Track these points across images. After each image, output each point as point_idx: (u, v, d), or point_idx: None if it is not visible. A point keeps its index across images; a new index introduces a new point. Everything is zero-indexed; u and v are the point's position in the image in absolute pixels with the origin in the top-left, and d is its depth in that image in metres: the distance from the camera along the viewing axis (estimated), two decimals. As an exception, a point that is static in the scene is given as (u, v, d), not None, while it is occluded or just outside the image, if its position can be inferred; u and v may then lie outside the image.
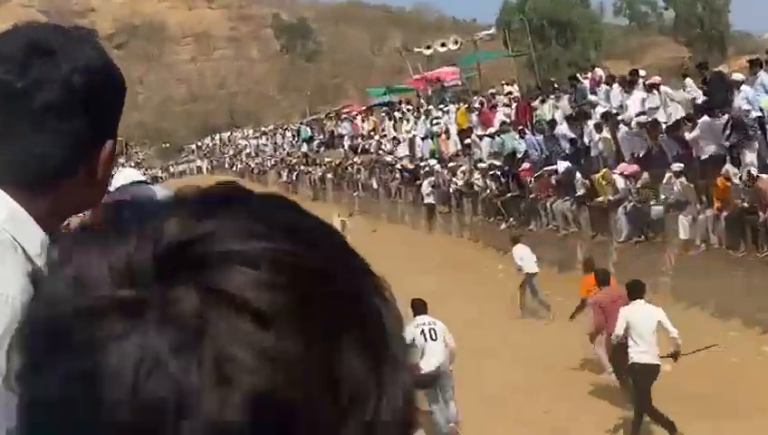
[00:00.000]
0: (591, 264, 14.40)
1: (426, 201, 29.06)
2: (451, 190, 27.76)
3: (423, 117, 33.89)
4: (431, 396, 10.94)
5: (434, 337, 10.88)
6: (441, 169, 28.69)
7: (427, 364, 10.78)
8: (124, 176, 3.60)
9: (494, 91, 32.99)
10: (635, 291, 10.79)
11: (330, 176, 41.87)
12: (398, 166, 32.77)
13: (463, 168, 27.41)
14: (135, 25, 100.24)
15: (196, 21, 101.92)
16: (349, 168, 39.03)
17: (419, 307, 11.03)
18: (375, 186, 35.17)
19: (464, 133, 29.40)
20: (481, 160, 26.38)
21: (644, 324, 10.37)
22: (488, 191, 25.13)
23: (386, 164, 34.42)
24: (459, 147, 29.62)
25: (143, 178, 4.54)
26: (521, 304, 16.82)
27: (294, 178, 48.80)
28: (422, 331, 10.85)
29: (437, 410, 10.94)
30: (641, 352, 10.34)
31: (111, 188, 2.94)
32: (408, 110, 37.50)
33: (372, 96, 49.75)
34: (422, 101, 38.89)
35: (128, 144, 58.00)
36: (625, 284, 11.38)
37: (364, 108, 46.14)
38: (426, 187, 28.94)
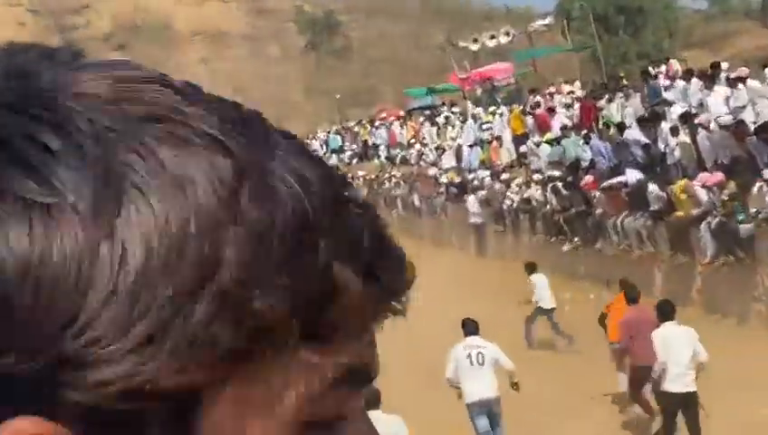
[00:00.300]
0: (626, 282, 15.16)
1: (471, 221, 28.94)
2: (505, 206, 27.73)
3: (471, 121, 33.92)
4: (478, 427, 11.64)
5: (481, 362, 11.65)
6: (493, 182, 28.67)
7: (474, 390, 11.59)
8: None
9: (552, 90, 32.98)
10: (666, 312, 11.39)
11: (364, 192, 41.95)
12: (443, 179, 32.80)
13: (518, 180, 27.41)
14: (137, 24, 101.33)
15: (206, 17, 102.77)
16: (386, 182, 39.13)
17: (470, 327, 11.90)
18: (417, 202, 35.22)
19: (519, 140, 29.44)
20: (539, 171, 26.37)
21: (678, 349, 10.95)
22: (548, 207, 25.10)
23: (428, 177, 34.45)
24: (513, 156, 29.63)
25: None
26: (527, 337, 17.76)
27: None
28: (468, 354, 11.68)
29: None
30: (672, 380, 10.96)
31: None
32: (454, 113, 37.57)
33: (411, 98, 49.92)
34: (469, 103, 38.94)
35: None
36: (656, 304, 11.91)
37: (402, 112, 46.30)
38: (472, 203, 28.86)
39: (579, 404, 13.49)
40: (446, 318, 13.51)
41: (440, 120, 38.27)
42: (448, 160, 33.87)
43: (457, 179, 31.70)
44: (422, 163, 36.91)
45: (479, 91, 39.95)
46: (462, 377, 11.68)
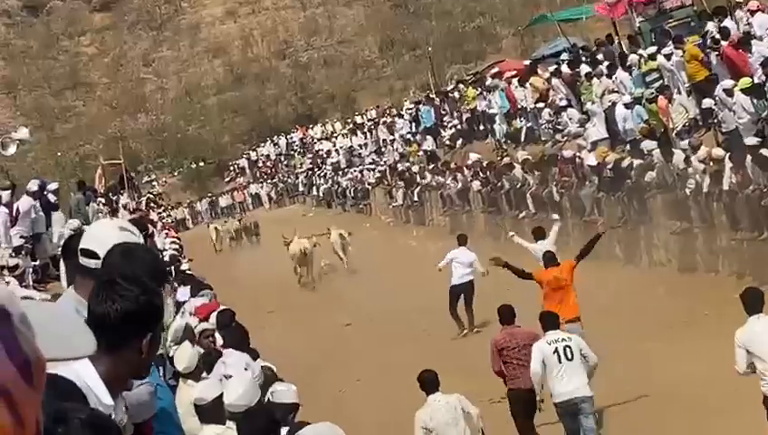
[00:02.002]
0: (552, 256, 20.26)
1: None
2: (688, 192, 27.18)
3: (623, 71, 33.42)
4: (569, 426, 15.18)
5: (570, 356, 15.14)
6: (664, 158, 28.16)
7: (563, 389, 15.09)
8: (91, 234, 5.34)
9: (753, 5, 32.08)
10: (754, 303, 12.70)
11: (476, 186, 41.64)
12: (591, 160, 32.28)
13: (703, 150, 26.78)
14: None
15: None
16: (506, 170, 38.71)
17: (550, 322, 15.70)
18: (555, 197, 34.75)
19: (700, 89, 29.01)
20: (736, 131, 25.77)
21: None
22: (753, 188, 24.46)
23: (568, 158, 34.01)
24: (693, 114, 29.05)
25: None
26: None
27: (417, 197, 48.73)
28: (555, 350, 15.20)
29: None
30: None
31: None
32: (600, 59, 37.02)
33: (539, 29, 49.61)
34: (624, 41, 38.43)
35: (129, 172, 58.89)
36: (741, 293, 13.19)
37: (524, 64, 45.93)
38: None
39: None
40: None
41: (583, 68, 37.67)
42: (597, 130, 33.54)
43: (612, 158, 31.15)
44: (558, 138, 36.48)
45: (638, 22, 39.21)
46: (551, 376, 15.14)
